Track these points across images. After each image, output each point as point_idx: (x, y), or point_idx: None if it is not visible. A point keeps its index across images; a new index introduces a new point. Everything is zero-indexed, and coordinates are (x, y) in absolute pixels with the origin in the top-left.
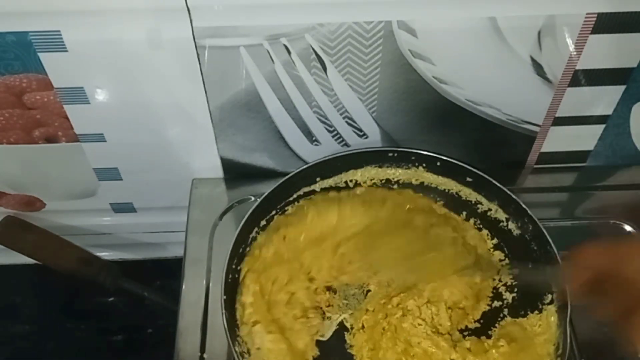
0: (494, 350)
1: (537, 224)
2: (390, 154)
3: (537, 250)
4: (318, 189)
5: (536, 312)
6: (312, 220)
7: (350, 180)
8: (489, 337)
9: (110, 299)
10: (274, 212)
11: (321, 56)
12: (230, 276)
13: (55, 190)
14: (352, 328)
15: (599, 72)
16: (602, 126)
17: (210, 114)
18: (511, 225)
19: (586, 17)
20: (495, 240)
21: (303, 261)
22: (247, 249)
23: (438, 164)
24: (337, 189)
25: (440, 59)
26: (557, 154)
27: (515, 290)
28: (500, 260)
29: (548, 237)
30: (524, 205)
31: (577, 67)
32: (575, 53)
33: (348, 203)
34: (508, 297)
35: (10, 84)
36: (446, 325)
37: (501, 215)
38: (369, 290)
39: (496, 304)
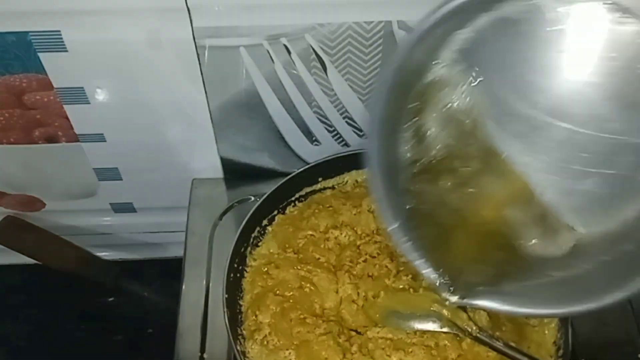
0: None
1: None
2: None
3: None
4: (319, 189)
5: None
6: None
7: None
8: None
9: (110, 299)
10: (275, 212)
11: (321, 56)
12: (231, 275)
13: (55, 190)
14: None
15: None
16: None
17: (210, 114)
18: None
19: None
20: None
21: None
22: (250, 249)
23: None
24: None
25: None
26: None
27: None
28: None
29: None
30: None
31: None
32: None
33: None
34: None
35: (10, 84)
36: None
37: None
38: None
39: None
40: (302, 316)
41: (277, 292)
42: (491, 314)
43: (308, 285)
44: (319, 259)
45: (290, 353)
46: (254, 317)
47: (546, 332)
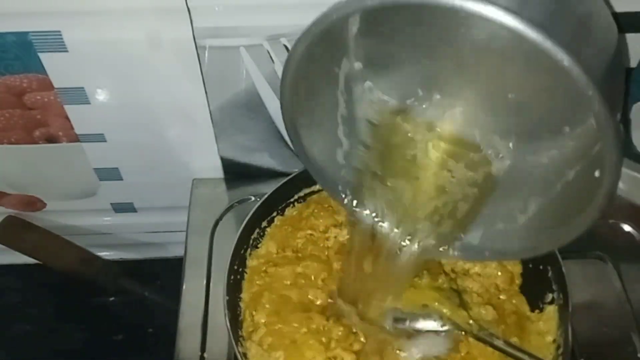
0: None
1: None
2: None
3: None
4: (317, 190)
5: (537, 311)
6: None
7: None
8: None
9: (110, 299)
10: (275, 214)
11: None
12: (232, 277)
13: (55, 190)
14: None
15: None
16: None
17: (210, 114)
18: None
19: None
20: None
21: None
22: (249, 251)
23: None
24: None
25: None
26: None
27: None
28: None
29: None
30: None
31: None
32: None
33: None
34: None
35: (10, 84)
36: None
37: None
38: None
39: None
40: (294, 313)
41: (273, 289)
42: (498, 309)
43: (302, 280)
44: (318, 256)
45: (279, 355)
46: (250, 317)
47: (547, 328)
